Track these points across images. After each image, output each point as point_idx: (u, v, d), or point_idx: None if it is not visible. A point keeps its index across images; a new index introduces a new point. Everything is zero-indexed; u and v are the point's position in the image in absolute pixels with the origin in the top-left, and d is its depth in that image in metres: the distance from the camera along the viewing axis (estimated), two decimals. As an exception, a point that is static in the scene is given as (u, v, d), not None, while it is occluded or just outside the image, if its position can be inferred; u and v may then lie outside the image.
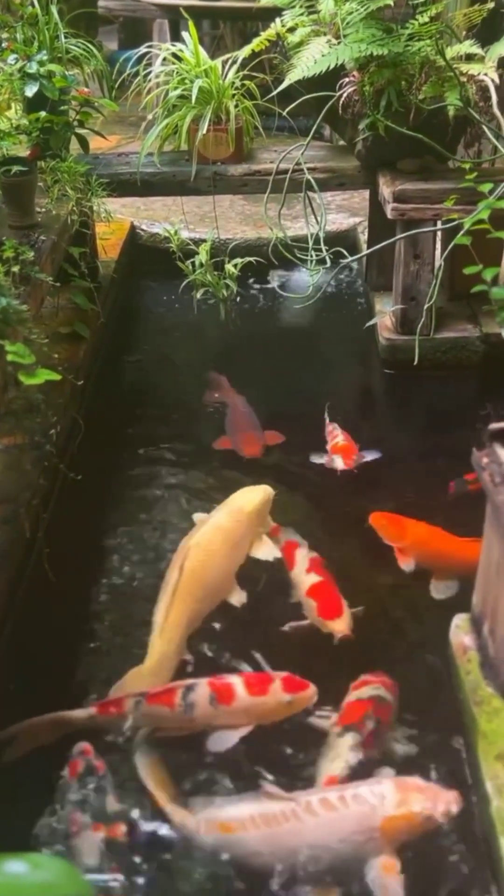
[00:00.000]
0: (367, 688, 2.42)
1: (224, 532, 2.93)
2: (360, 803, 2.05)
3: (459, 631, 2.45)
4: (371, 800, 2.06)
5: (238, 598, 2.79)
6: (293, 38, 4.04)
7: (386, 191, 3.90)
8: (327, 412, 3.69)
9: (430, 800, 2.06)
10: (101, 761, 2.27)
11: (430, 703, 2.46)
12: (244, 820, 2.09)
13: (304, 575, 2.81)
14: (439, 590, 2.84)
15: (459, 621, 2.47)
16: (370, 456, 3.46)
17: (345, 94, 3.89)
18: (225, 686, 2.37)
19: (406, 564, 2.92)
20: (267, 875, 2.03)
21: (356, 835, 2.02)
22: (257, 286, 4.99)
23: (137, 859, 2.08)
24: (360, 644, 2.65)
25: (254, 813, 2.09)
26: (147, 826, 2.14)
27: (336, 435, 3.54)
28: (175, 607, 2.66)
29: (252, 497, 3.07)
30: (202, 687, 2.36)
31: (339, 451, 3.46)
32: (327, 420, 3.65)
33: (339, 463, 3.39)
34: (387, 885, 1.96)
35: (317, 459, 3.47)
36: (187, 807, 2.16)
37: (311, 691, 2.36)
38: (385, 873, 1.97)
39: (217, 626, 2.74)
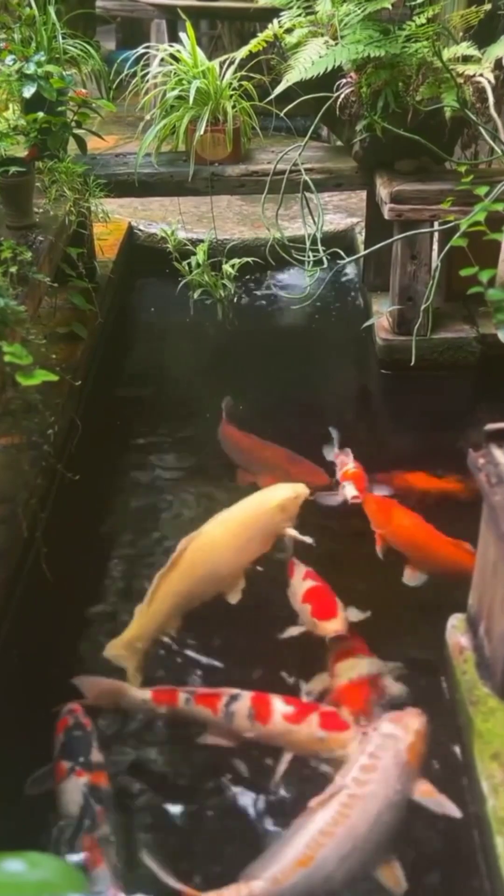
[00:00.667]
0: (353, 661, 2.48)
1: (239, 524, 2.92)
2: (386, 751, 2.18)
3: (456, 631, 2.46)
4: (390, 744, 2.19)
5: (235, 595, 2.75)
6: (291, 39, 4.05)
7: (383, 191, 3.91)
8: (336, 440, 3.55)
9: (418, 716, 2.31)
10: (89, 719, 2.34)
11: (425, 703, 2.46)
12: (313, 841, 1.98)
13: (301, 582, 2.81)
14: (410, 579, 2.88)
15: (456, 621, 2.48)
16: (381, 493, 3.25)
17: (342, 95, 3.90)
18: (264, 704, 2.35)
19: (380, 550, 2.96)
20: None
21: (401, 779, 2.14)
22: (255, 286, 5.00)
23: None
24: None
25: (316, 828, 2.00)
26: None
27: (346, 462, 3.38)
28: (165, 585, 2.67)
29: (280, 493, 3.02)
30: (245, 699, 2.35)
31: (349, 478, 3.30)
32: (336, 449, 3.50)
33: (351, 490, 3.21)
34: (438, 801, 2.14)
35: (328, 500, 3.22)
36: (248, 878, 1.98)
37: (349, 735, 2.25)
38: (429, 794, 2.15)
39: (212, 621, 2.75)
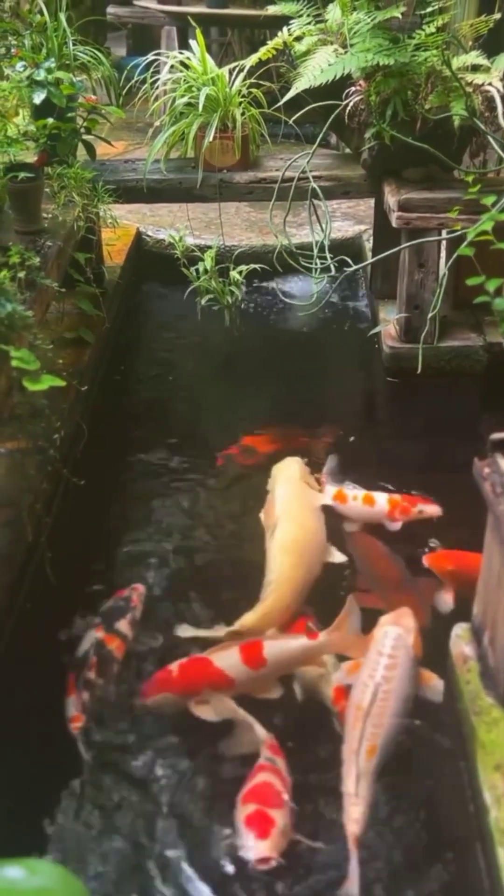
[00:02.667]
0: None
1: (301, 499, 3.17)
2: (400, 650, 2.49)
3: (460, 640, 2.44)
4: (401, 643, 2.52)
5: (336, 555, 2.97)
6: (300, 47, 4.06)
7: (391, 199, 3.91)
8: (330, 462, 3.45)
9: (410, 614, 2.62)
10: (140, 601, 2.78)
11: (428, 713, 2.46)
12: (371, 735, 2.28)
13: None
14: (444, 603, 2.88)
15: (460, 631, 2.47)
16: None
17: (351, 103, 3.91)
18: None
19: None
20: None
21: (413, 669, 2.49)
22: (262, 293, 5.01)
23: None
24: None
25: (371, 723, 2.30)
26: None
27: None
28: (284, 563, 2.86)
29: (294, 467, 3.34)
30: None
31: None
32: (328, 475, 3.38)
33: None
34: (435, 686, 2.50)
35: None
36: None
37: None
38: (430, 679, 2.52)
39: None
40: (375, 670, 2.43)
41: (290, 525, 3.01)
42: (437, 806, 2.31)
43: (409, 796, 2.32)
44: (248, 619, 2.67)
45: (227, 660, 2.51)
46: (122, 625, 2.68)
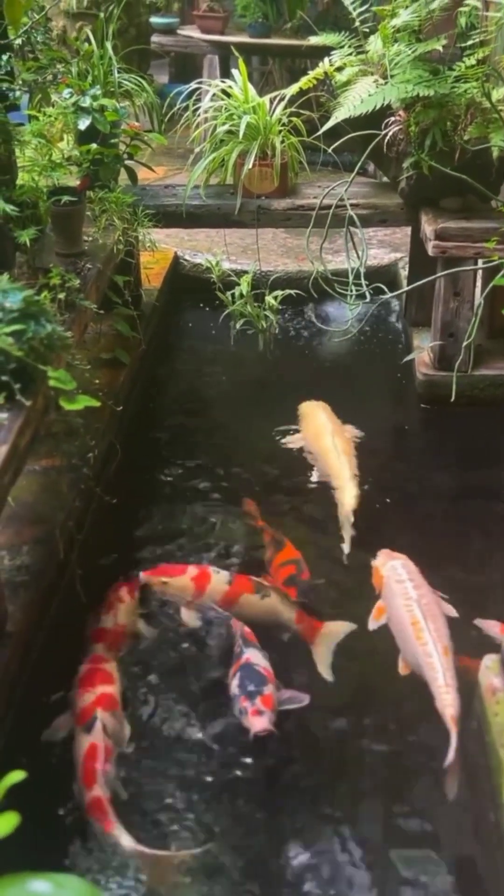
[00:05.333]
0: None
1: (334, 422, 3.84)
2: (412, 572, 2.90)
3: (489, 672, 2.42)
4: (409, 567, 2.92)
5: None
6: (341, 78, 4.11)
7: (428, 228, 3.93)
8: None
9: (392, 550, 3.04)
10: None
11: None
12: (437, 637, 2.61)
13: None
14: None
15: (490, 662, 2.45)
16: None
17: (390, 133, 3.94)
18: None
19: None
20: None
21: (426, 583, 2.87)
22: (297, 318, 5.04)
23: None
24: (389, 676, 2.65)
25: (431, 628, 2.64)
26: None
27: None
28: (347, 463, 3.53)
29: (319, 406, 3.97)
30: None
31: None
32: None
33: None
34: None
35: None
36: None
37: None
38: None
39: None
40: (408, 592, 2.79)
41: (342, 438, 3.71)
42: (463, 840, 2.28)
43: (434, 829, 2.29)
44: (349, 503, 3.31)
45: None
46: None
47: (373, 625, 2.83)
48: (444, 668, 2.52)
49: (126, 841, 2.16)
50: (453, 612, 2.81)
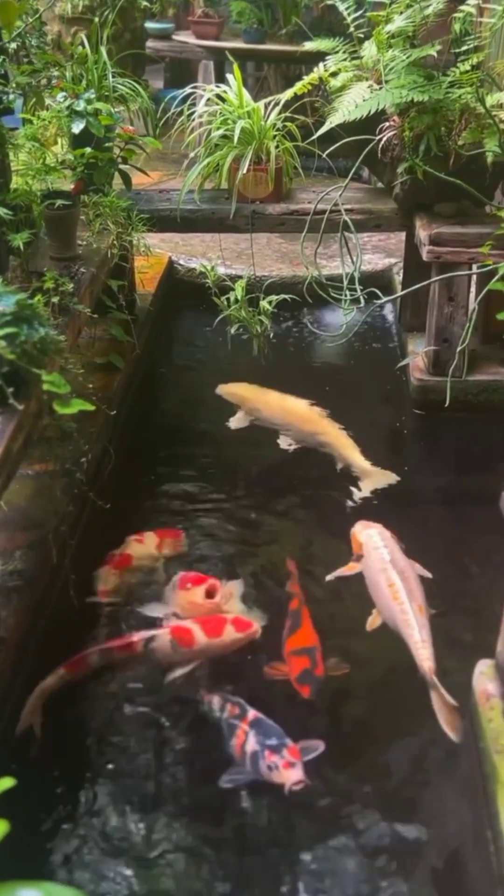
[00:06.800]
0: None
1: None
2: (388, 540, 3.05)
3: (483, 677, 2.41)
4: (385, 535, 3.07)
5: None
6: (335, 83, 4.11)
7: (422, 233, 3.93)
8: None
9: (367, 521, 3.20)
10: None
11: (450, 750, 2.42)
12: (417, 597, 2.77)
13: None
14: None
15: (484, 667, 2.44)
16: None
17: (384, 138, 3.94)
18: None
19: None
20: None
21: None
22: (292, 323, 5.03)
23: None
24: (382, 689, 2.63)
25: (406, 588, 2.78)
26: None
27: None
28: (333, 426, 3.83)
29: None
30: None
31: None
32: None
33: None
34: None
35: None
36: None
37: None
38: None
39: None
40: (384, 557, 2.94)
41: (316, 414, 3.91)
42: (456, 848, 2.27)
43: (427, 837, 2.28)
44: (363, 466, 3.61)
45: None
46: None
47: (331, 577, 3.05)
48: (419, 625, 2.67)
49: None
50: (426, 574, 2.97)
